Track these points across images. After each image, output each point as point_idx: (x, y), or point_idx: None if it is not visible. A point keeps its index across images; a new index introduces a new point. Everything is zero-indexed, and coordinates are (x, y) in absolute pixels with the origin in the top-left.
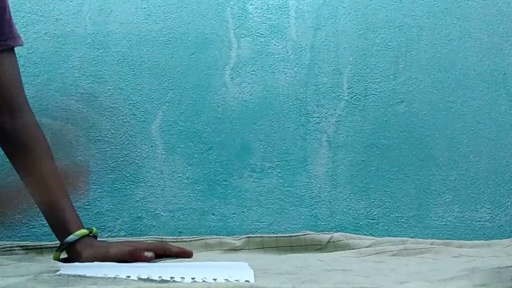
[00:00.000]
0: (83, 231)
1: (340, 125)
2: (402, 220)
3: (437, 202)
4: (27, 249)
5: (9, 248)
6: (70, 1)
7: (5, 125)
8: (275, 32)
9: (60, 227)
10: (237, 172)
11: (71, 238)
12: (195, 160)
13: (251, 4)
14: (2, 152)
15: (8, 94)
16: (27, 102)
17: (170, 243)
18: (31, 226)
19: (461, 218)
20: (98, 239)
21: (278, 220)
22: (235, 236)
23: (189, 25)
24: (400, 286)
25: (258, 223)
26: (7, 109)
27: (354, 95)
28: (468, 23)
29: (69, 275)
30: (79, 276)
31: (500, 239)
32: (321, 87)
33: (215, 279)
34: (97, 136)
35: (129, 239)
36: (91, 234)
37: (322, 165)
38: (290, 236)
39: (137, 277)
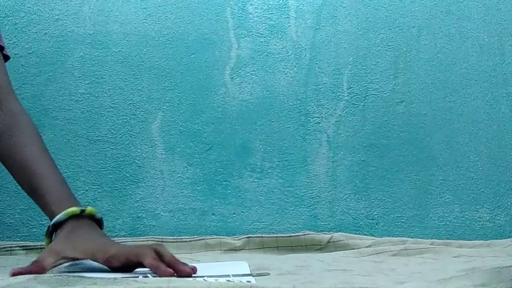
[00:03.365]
0: (72, 210)
1: (340, 125)
2: (402, 220)
3: (437, 202)
4: (27, 249)
5: (9, 248)
6: (70, 1)
7: None
8: (275, 32)
9: (46, 210)
10: (237, 172)
11: (57, 218)
12: (195, 160)
13: (251, 4)
14: None
15: None
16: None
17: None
18: (31, 226)
19: (461, 218)
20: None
21: (278, 220)
22: (235, 236)
23: (189, 25)
24: (400, 286)
25: (258, 223)
26: None
27: (354, 95)
28: (468, 23)
29: (69, 275)
30: (79, 276)
31: (500, 239)
32: (321, 87)
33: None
34: (97, 136)
35: (129, 239)
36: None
37: (322, 165)
38: (290, 236)
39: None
